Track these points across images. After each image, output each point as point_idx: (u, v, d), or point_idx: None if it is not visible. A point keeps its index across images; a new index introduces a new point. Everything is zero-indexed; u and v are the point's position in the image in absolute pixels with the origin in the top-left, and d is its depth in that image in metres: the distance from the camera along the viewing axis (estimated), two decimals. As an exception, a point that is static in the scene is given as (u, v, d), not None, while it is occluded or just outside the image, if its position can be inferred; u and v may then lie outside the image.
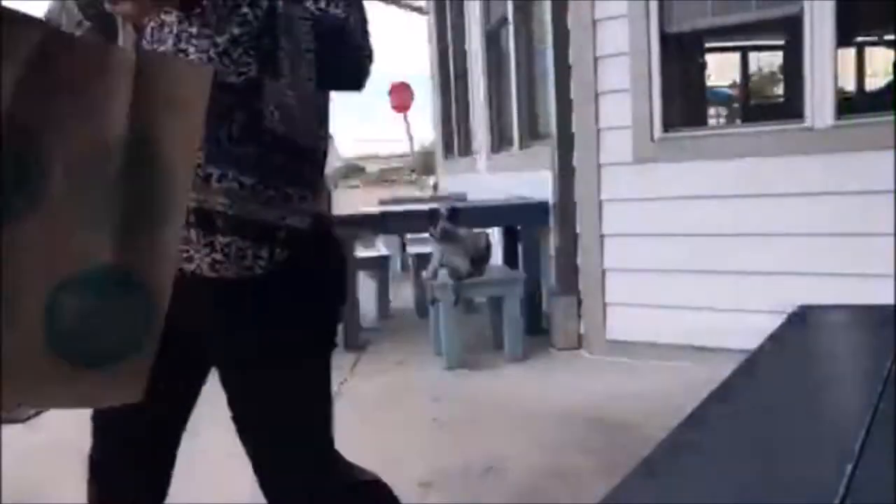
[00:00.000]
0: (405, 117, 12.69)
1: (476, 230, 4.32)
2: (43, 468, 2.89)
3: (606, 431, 2.89)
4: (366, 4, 1.28)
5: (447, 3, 8.33)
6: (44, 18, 1.22)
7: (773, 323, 1.69)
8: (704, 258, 3.71)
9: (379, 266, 5.46)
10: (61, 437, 3.22)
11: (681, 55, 4.18)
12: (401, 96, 12.64)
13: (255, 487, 2.59)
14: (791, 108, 4.19)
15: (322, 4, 1.20)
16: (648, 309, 3.90)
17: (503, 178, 5.93)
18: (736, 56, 7.37)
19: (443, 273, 4.06)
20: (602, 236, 4.00)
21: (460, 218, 4.14)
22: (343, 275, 1.43)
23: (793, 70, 5.01)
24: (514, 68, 5.64)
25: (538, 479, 2.48)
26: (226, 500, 2.48)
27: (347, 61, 1.25)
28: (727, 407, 1.24)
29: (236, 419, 1.35)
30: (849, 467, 0.92)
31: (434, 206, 4.57)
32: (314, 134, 1.28)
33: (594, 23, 3.92)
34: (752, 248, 3.57)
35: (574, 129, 4.08)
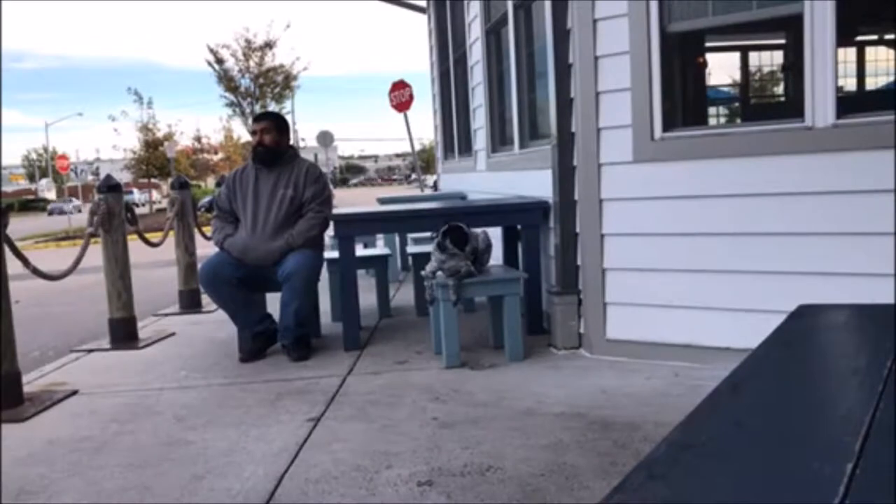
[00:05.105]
0: (405, 116, 12.69)
1: (475, 230, 4.32)
2: (43, 468, 2.89)
3: (606, 431, 2.89)
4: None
5: (447, 2, 8.33)
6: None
7: (772, 323, 1.68)
8: (704, 258, 3.71)
9: (379, 265, 5.46)
10: (61, 437, 3.22)
11: (681, 55, 4.18)
12: (401, 96, 12.65)
13: (254, 486, 2.60)
14: (791, 107, 4.19)
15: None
16: (648, 309, 3.90)
17: (503, 177, 5.93)
18: (736, 56, 7.37)
19: (442, 273, 4.05)
20: (602, 236, 4.00)
21: (459, 217, 4.14)
22: None
23: (793, 69, 5.01)
24: (514, 68, 5.64)
25: (538, 479, 2.47)
26: (226, 498, 2.48)
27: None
28: (727, 407, 1.24)
29: None
30: (849, 467, 0.92)
31: (433, 205, 4.57)
32: None
33: (594, 22, 3.92)
34: (752, 248, 3.57)
35: (574, 129, 4.08)
